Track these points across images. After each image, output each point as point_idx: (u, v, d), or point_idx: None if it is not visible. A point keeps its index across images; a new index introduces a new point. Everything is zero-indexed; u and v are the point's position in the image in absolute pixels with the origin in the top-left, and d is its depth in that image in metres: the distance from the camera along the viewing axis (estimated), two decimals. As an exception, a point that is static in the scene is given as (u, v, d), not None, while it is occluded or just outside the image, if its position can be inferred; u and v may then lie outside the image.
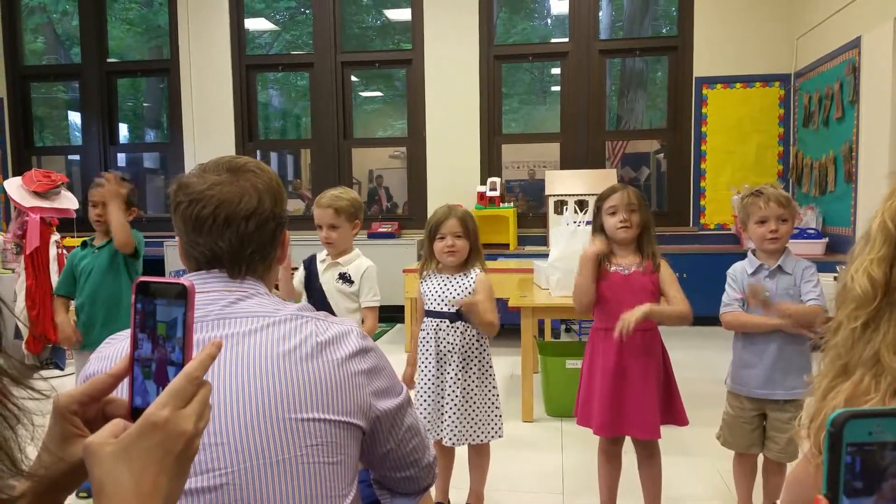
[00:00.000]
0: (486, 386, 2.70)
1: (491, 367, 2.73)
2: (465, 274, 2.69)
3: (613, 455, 2.61)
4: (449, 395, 2.63)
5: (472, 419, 2.66)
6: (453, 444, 2.64)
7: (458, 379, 2.64)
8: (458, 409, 2.63)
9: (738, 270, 2.55)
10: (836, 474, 0.54)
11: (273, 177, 1.24)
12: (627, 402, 2.45)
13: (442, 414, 2.65)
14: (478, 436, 2.67)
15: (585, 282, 2.52)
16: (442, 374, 2.66)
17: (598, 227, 2.56)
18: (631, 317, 2.33)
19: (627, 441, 2.60)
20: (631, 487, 2.69)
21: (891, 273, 0.93)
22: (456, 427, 2.62)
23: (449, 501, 2.83)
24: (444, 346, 2.66)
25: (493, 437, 2.70)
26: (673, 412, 2.53)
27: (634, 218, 2.46)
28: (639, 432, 2.48)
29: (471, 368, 2.67)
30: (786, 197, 2.45)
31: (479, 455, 2.77)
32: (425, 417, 2.65)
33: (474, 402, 2.66)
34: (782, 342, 2.42)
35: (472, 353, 2.68)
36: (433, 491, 2.78)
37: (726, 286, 2.56)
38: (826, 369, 0.99)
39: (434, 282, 2.71)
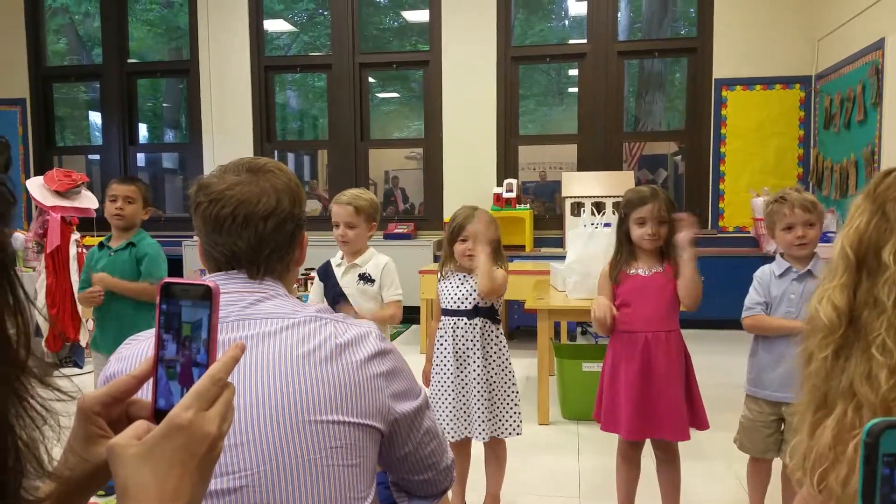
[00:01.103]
0: (507, 381, 2.71)
1: (510, 362, 2.74)
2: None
3: (633, 459, 2.59)
4: (474, 391, 2.64)
5: (496, 414, 2.67)
6: (484, 438, 2.64)
7: (481, 375, 2.64)
8: (486, 405, 2.64)
9: (766, 273, 2.52)
10: (871, 486, 0.53)
11: (292, 177, 1.25)
12: (655, 405, 2.43)
13: (468, 411, 2.66)
14: (501, 430, 2.68)
15: (603, 327, 2.52)
16: (463, 371, 2.66)
17: (622, 235, 2.51)
18: (691, 249, 2.34)
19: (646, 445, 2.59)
20: (649, 492, 2.67)
21: (854, 299, 0.92)
22: (486, 421, 2.63)
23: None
24: (463, 344, 2.66)
25: (514, 432, 2.70)
26: (694, 416, 2.51)
27: (663, 230, 2.42)
28: (668, 434, 2.46)
29: (492, 364, 2.67)
30: (811, 201, 2.40)
31: (497, 456, 2.77)
32: (448, 416, 2.65)
33: (497, 398, 2.68)
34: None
35: (492, 348, 2.68)
36: (449, 493, 2.78)
37: (751, 289, 2.53)
38: (807, 400, 0.98)
39: (452, 280, 2.71)
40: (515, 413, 2.71)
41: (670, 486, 2.57)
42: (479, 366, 2.64)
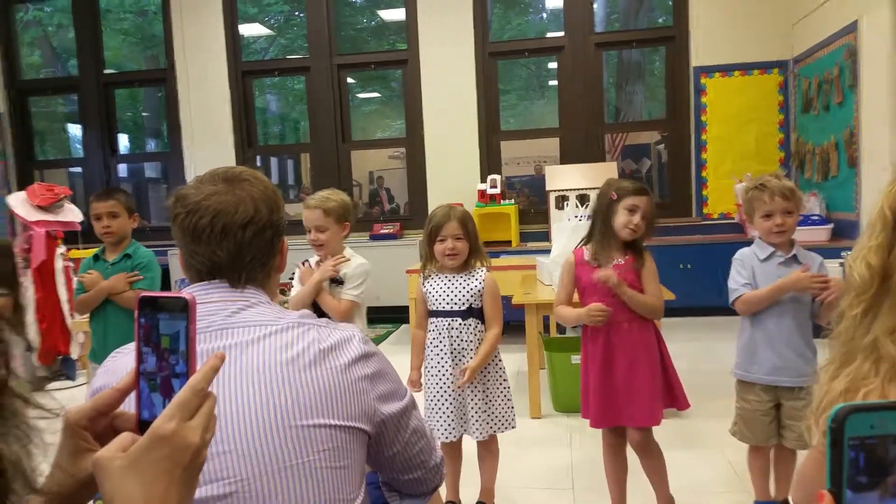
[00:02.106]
0: (500, 378, 2.73)
1: (501, 360, 2.76)
2: (470, 273, 2.69)
3: (617, 449, 2.60)
4: (471, 391, 2.65)
5: (493, 412, 2.69)
6: (481, 437, 2.66)
7: (479, 375, 2.65)
8: (482, 404, 2.66)
9: (747, 255, 2.53)
10: (838, 469, 0.54)
11: (269, 185, 1.26)
12: (618, 393, 2.47)
13: (465, 411, 2.67)
14: (498, 427, 2.70)
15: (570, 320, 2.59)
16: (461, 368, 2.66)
17: (600, 216, 2.49)
18: (605, 275, 2.39)
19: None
20: (643, 481, 2.69)
21: (888, 259, 0.94)
22: (482, 420, 2.65)
23: (460, 501, 2.84)
24: (459, 344, 2.66)
25: (509, 427, 2.73)
26: (673, 398, 2.54)
27: (644, 224, 2.44)
28: (634, 420, 2.49)
29: (488, 364, 2.68)
30: (790, 188, 2.43)
31: (489, 451, 2.78)
32: (449, 417, 2.65)
33: (492, 396, 2.69)
34: (791, 328, 2.42)
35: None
36: (444, 490, 2.79)
37: (733, 271, 2.54)
38: (832, 357, 1.01)
39: (438, 281, 2.71)
40: (509, 408, 2.73)
41: (654, 473, 2.58)
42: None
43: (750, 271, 2.50)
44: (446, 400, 2.67)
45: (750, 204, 2.49)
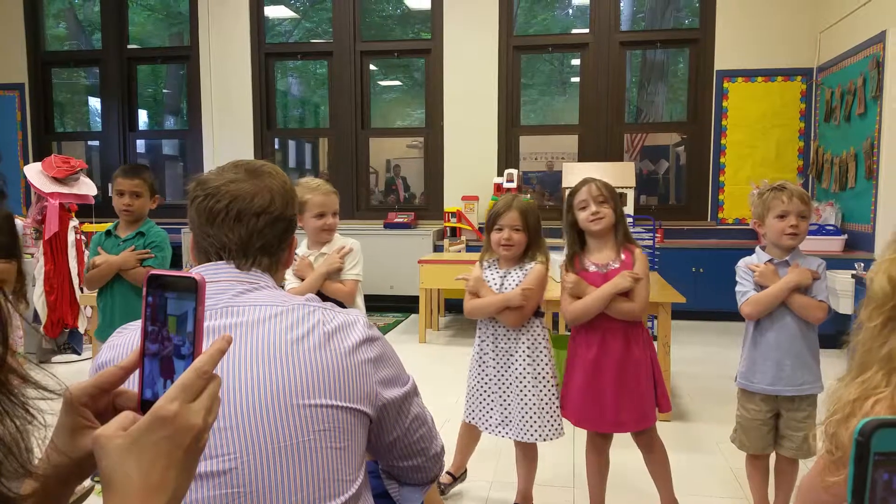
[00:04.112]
0: (550, 381, 2.58)
1: (553, 363, 2.62)
2: (520, 267, 2.60)
3: (601, 448, 2.57)
4: (515, 389, 2.55)
5: (539, 414, 2.55)
6: (525, 439, 2.55)
7: (526, 374, 2.55)
8: (528, 405, 2.54)
9: (750, 263, 2.53)
10: (862, 484, 0.53)
11: (287, 181, 1.30)
12: (611, 399, 2.44)
13: (507, 409, 2.58)
14: (541, 434, 2.55)
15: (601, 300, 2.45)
16: (508, 368, 2.57)
17: (569, 224, 2.51)
18: (570, 279, 2.44)
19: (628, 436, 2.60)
20: (637, 480, 2.68)
21: None
22: (527, 423, 2.54)
23: (458, 476, 2.85)
24: (506, 343, 2.58)
25: (556, 435, 2.57)
26: (657, 395, 2.53)
27: (605, 209, 2.42)
28: (629, 426, 2.49)
29: (538, 361, 2.57)
30: (806, 194, 2.46)
31: (526, 455, 2.69)
32: (483, 409, 2.62)
33: (539, 397, 2.56)
34: (794, 334, 2.41)
35: (538, 344, 2.59)
36: (448, 460, 2.76)
37: (738, 279, 2.53)
38: (850, 367, 1.02)
39: (492, 274, 2.63)
40: (557, 415, 2.56)
41: (658, 472, 2.57)
42: (522, 363, 2.55)
43: (752, 277, 2.50)
44: (485, 392, 2.61)
45: (765, 204, 2.47)
